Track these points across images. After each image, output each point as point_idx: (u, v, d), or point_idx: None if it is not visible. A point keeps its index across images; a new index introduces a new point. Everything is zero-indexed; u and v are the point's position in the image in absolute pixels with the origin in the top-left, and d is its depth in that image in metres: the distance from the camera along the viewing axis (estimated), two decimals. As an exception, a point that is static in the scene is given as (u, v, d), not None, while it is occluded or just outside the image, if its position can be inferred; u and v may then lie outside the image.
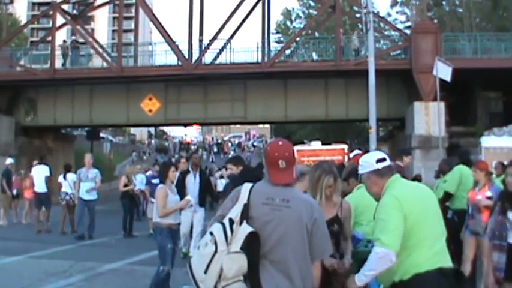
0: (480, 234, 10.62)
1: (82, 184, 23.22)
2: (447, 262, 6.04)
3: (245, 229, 5.17)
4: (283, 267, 5.25)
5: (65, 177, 25.41)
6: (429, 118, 40.60)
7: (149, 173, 29.24)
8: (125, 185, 24.79)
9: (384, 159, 6.38)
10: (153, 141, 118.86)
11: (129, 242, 22.69)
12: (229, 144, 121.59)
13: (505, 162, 12.46)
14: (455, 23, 64.27)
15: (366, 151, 24.80)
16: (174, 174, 12.67)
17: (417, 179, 20.67)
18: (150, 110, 46.28)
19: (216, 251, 5.09)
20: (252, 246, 5.15)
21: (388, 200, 6.04)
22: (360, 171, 6.51)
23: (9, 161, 29.61)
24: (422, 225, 5.95)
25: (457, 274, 6.27)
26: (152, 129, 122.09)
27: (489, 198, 11.17)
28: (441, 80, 28.68)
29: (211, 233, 5.22)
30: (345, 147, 34.96)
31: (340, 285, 6.94)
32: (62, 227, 24.94)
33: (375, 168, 6.31)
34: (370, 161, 6.40)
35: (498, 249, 7.58)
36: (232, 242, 5.15)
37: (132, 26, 55.69)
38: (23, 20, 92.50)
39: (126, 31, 57.09)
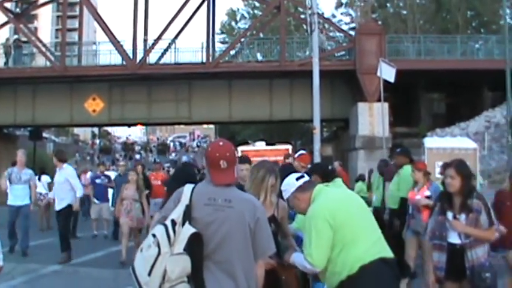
0: (421, 234, 10.76)
1: (12, 187, 18.84)
2: (388, 253, 6.22)
3: (188, 230, 5.15)
4: (226, 268, 5.24)
5: (39, 179, 25.39)
6: (373, 119, 40.94)
7: (89, 174, 29.08)
8: None
9: (302, 176, 6.75)
10: (97, 142, 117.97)
11: (72, 243, 22.40)
12: (172, 144, 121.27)
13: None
14: (399, 24, 64.98)
15: (311, 152, 24.85)
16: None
17: (361, 179, 20.82)
18: (94, 110, 45.87)
19: (159, 253, 5.06)
20: (195, 247, 5.13)
21: (314, 212, 6.31)
22: (286, 196, 6.80)
23: None
24: (351, 223, 6.19)
25: (400, 265, 6.41)
26: (96, 130, 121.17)
27: (428, 197, 11.35)
28: (385, 81, 28.91)
29: (153, 235, 5.18)
30: (290, 147, 35.06)
31: (291, 284, 6.97)
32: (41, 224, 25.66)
33: (297, 185, 6.60)
34: (290, 182, 6.71)
35: (438, 248, 7.71)
36: (175, 243, 5.12)
37: (76, 25, 55.28)
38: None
39: (70, 30, 56.68)
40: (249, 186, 7.17)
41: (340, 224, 6.08)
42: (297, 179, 6.65)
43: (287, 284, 6.97)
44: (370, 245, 6.10)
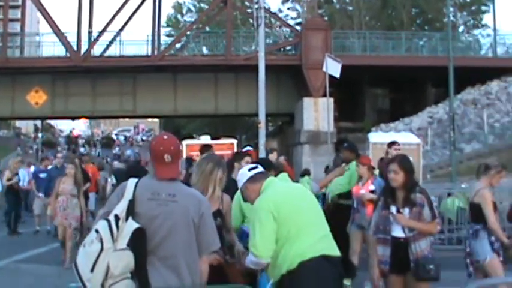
0: (365, 228, 10.83)
1: None
2: (333, 250, 6.19)
3: (131, 225, 5.09)
4: (171, 263, 5.20)
5: None
6: (318, 114, 41.14)
7: (33, 168, 28.67)
8: (8, 179, 23.85)
9: (255, 167, 6.75)
10: (39, 135, 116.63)
11: (14, 239, 22.07)
12: (116, 138, 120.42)
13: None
14: (345, 20, 65.37)
15: (256, 145, 24.81)
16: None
17: (306, 173, 20.89)
18: (37, 103, 45.25)
19: (102, 249, 4.99)
20: (138, 243, 5.07)
21: (259, 204, 6.33)
22: (239, 186, 6.84)
23: None
24: (296, 218, 6.19)
25: (344, 263, 6.41)
26: (39, 123, 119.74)
27: (372, 192, 11.42)
28: (330, 76, 29.05)
29: (96, 231, 5.10)
30: (235, 141, 35.01)
31: (236, 278, 6.94)
32: None
33: (248, 176, 6.64)
34: (244, 172, 6.76)
35: (382, 242, 7.79)
36: (118, 239, 5.06)
37: (19, 15, 54.24)
38: None
39: (12, 20, 55.47)
40: (197, 180, 7.10)
41: (285, 217, 6.08)
42: (250, 169, 6.66)
43: (233, 279, 6.95)
44: (315, 241, 6.09)
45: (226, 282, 6.63)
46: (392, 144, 14.15)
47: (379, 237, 7.85)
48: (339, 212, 12.75)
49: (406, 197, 7.70)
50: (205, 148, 12.83)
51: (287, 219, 6.07)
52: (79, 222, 15.72)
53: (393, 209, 7.74)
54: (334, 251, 6.22)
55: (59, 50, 44.19)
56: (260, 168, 6.74)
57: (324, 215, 6.54)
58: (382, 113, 53.17)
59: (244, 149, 14.16)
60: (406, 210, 7.65)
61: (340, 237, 7.62)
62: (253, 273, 7.53)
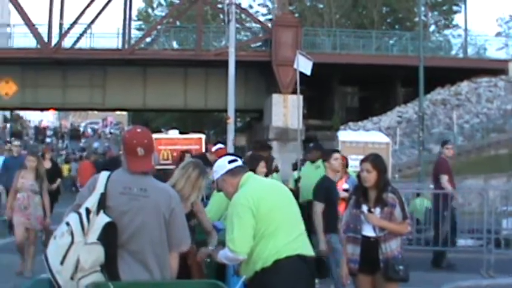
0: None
1: None
2: (308, 250, 6.18)
3: (102, 219, 5.07)
4: (141, 258, 5.21)
5: None
6: (287, 110, 41.22)
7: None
8: None
9: (235, 160, 6.60)
10: (7, 126, 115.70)
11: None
12: (84, 130, 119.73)
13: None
14: (316, 18, 65.34)
15: (225, 141, 24.78)
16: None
17: (275, 170, 20.85)
18: (7, 93, 44.95)
19: (72, 242, 4.97)
20: (109, 237, 5.06)
21: (238, 199, 6.22)
22: (216, 177, 6.65)
23: None
24: (274, 215, 6.12)
25: (318, 263, 6.42)
26: (7, 113, 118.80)
27: (346, 190, 11.42)
28: (300, 74, 29.05)
29: (67, 223, 5.08)
30: (203, 136, 34.90)
31: (198, 274, 6.93)
32: None
33: (227, 169, 6.49)
34: (222, 164, 6.58)
35: (352, 241, 7.78)
36: (89, 232, 5.04)
37: (-11, 6, 54.06)
38: None
39: (-18, 11, 55.17)
40: (182, 186, 7.08)
41: (263, 213, 6.03)
42: (229, 162, 6.54)
43: (193, 271, 6.96)
44: (291, 239, 6.07)
45: (188, 276, 6.64)
46: (445, 143, 14.34)
47: (349, 236, 7.85)
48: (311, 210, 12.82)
49: (378, 197, 7.69)
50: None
51: (266, 215, 6.02)
52: (42, 224, 13.61)
53: (364, 208, 7.75)
54: (309, 250, 6.23)
55: (30, 42, 43.94)
56: (240, 162, 6.65)
57: (300, 213, 6.52)
58: (351, 112, 53.37)
59: (216, 147, 14.10)
60: (378, 210, 7.64)
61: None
62: (222, 268, 7.53)
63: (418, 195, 19.71)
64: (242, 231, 6.02)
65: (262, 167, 9.42)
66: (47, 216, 13.51)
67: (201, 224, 7.44)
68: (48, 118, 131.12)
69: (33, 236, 13.41)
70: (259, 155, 11.06)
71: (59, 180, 19.06)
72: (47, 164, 18.45)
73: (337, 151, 11.32)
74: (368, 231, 7.67)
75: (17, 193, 13.35)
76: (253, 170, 8.44)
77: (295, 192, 14.69)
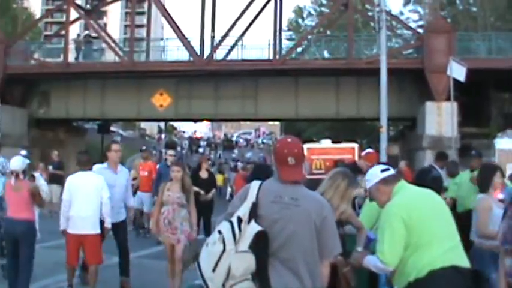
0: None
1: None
2: (463, 261, 6.03)
3: (253, 228, 5.14)
4: (292, 266, 5.24)
5: None
6: (441, 118, 40.41)
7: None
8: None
9: (387, 169, 6.58)
10: (163, 136, 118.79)
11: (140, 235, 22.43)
12: (241, 140, 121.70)
13: None
14: (469, 22, 63.91)
15: (377, 150, 24.64)
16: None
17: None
18: (161, 105, 46.20)
19: (224, 250, 5.08)
20: (260, 245, 5.13)
21: (390, 207, 6.21)
22: (368, 185, 6.66)
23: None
24: (428, 225, 6.05)
25: (475, 275, 6.24)
26: (162, 124, 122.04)
27: (501, 201, 11.03)
28: (454, 80, 28.51)
29: (219, 232, 5.19)
30: (355, 146, 34.80)
31: (345, 284, 6.91)
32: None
33: (380, 178, 6.48)
34: (375, 172, 6.58)
35: (510, 254, 7.43)
36: (240, 241, 5.13)
37: (145, 21, 55.73)
38: (38, 14, 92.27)
39: (138, 26, 56.92)
40: (331, 195, 7.10)
41: (416, 224, 5.95)
42: (382, 171, 6.53)
43: (341, 282, 6.95)
44: (445, 250, 5.96)
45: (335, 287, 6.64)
46: None
47: (507, 248, 7.54)
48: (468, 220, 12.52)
49: None
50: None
51: (418, 226, 5.94)
52: (191, 239, 12.57)
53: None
54: (465, 262, 6.09)
55: (183, 54, 45.00)
56: (392, 171, 6.62)
57: (455, 224, 6.38)
58: (510, 118, 51.81)
59: (365, 152, 14.05)
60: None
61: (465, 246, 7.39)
62: (374, 278, 7.47)
63: None
64: (393, 242, 5.97)
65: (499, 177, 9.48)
66: (193, 230, 12.76)
67: (349, 219, 7.41)
68: (201, 129, 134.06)
69: (180, 252, 12.36)
70: (495, 165, 10.83)
71: (213, 190, 19.42)
72: (204, 174, 19.05)
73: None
74: (528, 243, 7.34)
75: (162, 206, 12.62)
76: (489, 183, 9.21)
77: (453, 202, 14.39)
